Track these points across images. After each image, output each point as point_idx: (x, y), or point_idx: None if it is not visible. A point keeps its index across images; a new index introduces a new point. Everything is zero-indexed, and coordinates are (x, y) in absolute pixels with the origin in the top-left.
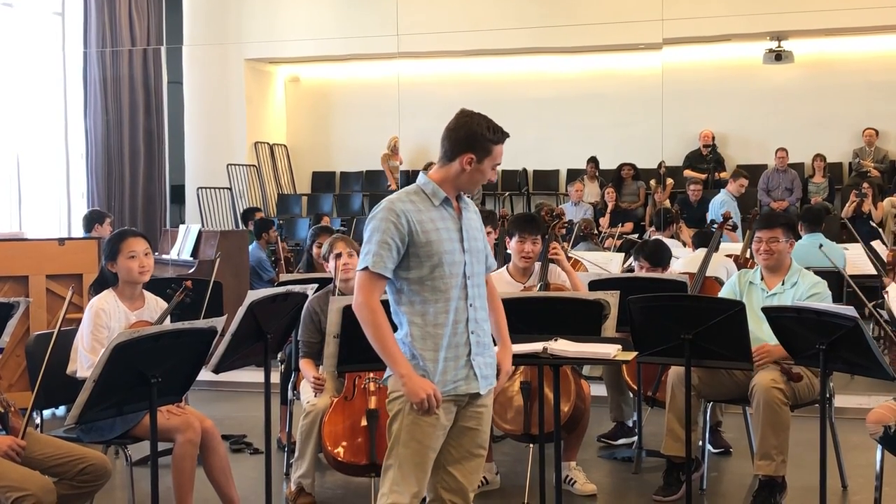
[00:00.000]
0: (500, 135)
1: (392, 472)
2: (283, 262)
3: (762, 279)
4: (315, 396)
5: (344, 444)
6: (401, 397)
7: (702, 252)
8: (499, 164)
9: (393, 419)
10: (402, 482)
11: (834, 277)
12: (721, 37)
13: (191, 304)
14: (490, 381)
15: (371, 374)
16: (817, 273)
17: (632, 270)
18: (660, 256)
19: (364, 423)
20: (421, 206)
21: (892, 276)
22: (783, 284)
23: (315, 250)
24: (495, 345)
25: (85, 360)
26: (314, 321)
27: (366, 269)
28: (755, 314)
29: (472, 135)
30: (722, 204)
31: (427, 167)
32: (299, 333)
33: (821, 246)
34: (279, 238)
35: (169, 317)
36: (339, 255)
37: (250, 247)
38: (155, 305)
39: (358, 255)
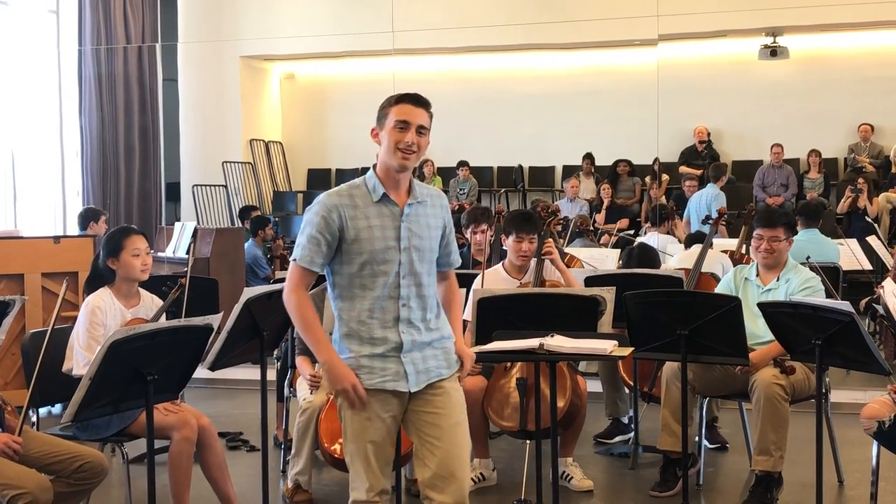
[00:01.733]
0: (396, 97)
1: (350, 468)
2: (278, 259)
3: (757, 275)
4: (311, 394)
5: (340, 440)
6: None
7: (697, 248)
8: (407, 122)
9: (340, 414)
10: (356, 478)
11: (830, 273)
12: (716, 33)
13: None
14: (434, 374)
15: None
16: (813, 269)
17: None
18: (649, 261)
19: None
20: (359, 202)
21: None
22: (777, 281)
23: None
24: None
25: (81, 358)
26: None
27: (294, 260)
28: (750, 310)
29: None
30: (721, 198)
31: (422, 164)
32: (295, 331)
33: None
34: (275, 235)
35: (165, 314)
36: None
37: (246, 244)
38: (150, 303)
39: None
